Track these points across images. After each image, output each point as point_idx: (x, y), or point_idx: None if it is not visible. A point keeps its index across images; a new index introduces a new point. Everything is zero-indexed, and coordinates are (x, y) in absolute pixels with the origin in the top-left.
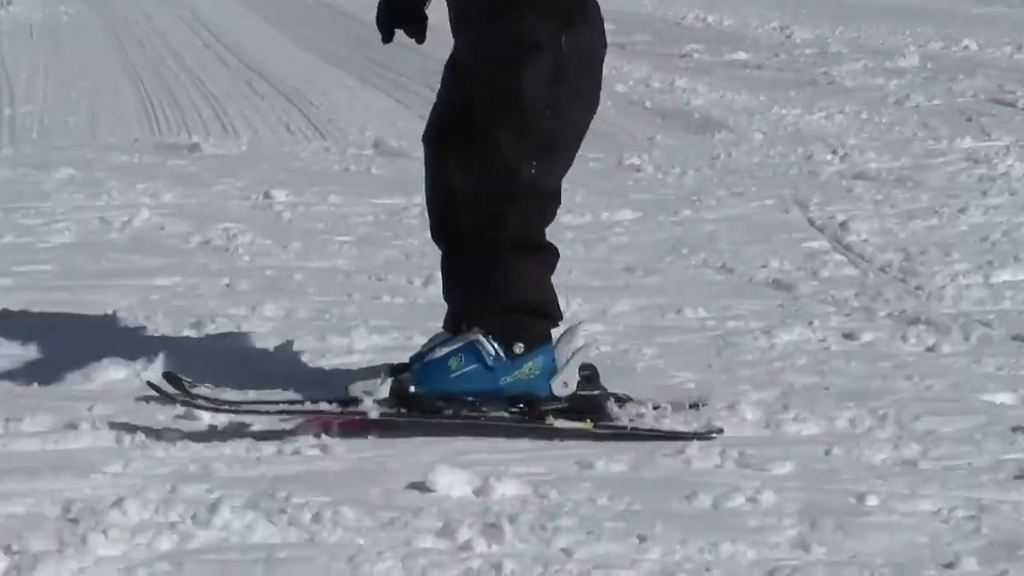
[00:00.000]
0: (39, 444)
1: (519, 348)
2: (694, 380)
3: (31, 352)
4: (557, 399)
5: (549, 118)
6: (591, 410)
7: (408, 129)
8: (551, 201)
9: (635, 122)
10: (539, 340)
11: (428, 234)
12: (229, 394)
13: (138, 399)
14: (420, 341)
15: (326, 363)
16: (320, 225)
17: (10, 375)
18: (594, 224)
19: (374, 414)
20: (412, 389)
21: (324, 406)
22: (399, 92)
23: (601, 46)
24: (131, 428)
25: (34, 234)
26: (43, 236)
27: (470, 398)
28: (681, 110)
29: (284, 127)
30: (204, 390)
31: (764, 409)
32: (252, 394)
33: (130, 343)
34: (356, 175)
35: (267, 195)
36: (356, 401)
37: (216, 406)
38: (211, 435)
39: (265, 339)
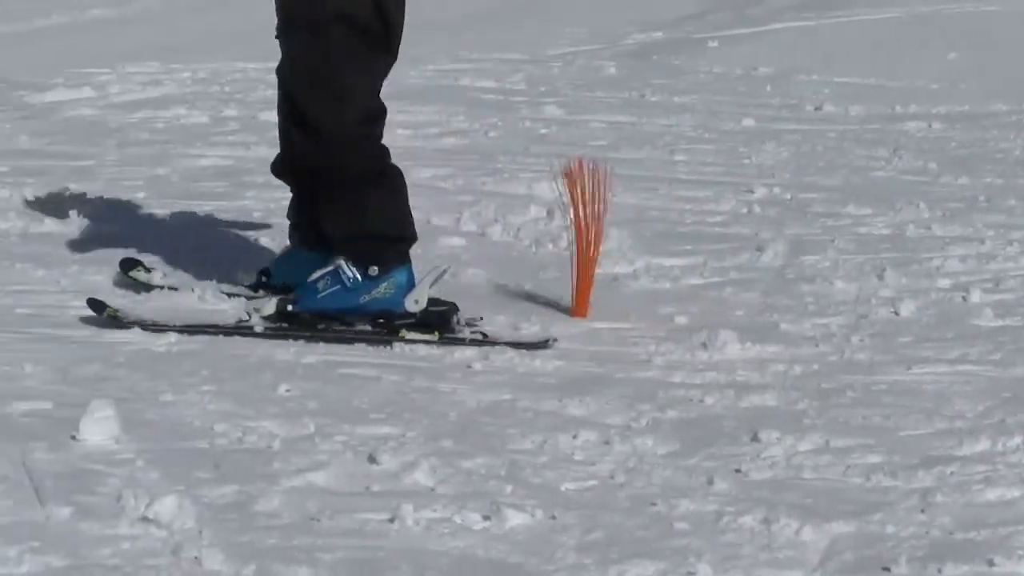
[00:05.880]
0: None
1: (374, 271)
2: None
3: None
4: (410, 314)
5: (326, 79)
6: (438, 324)
7: None
8: (361, 140)
9: None
10: (394, 262)
11: None
12: (152, 313)
13: None
14: None
15: None
16: None
17: None
18: None
19: (259, 328)
20: (290, 308)
21: (219, 321)
22: None
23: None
24: None
25: None
26: None
27: (341, 314)
28: None
29: None
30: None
31: None
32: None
33: None
34: None
35: None
36: (247, 316)
37: (132, 323)
38: None
39: None
